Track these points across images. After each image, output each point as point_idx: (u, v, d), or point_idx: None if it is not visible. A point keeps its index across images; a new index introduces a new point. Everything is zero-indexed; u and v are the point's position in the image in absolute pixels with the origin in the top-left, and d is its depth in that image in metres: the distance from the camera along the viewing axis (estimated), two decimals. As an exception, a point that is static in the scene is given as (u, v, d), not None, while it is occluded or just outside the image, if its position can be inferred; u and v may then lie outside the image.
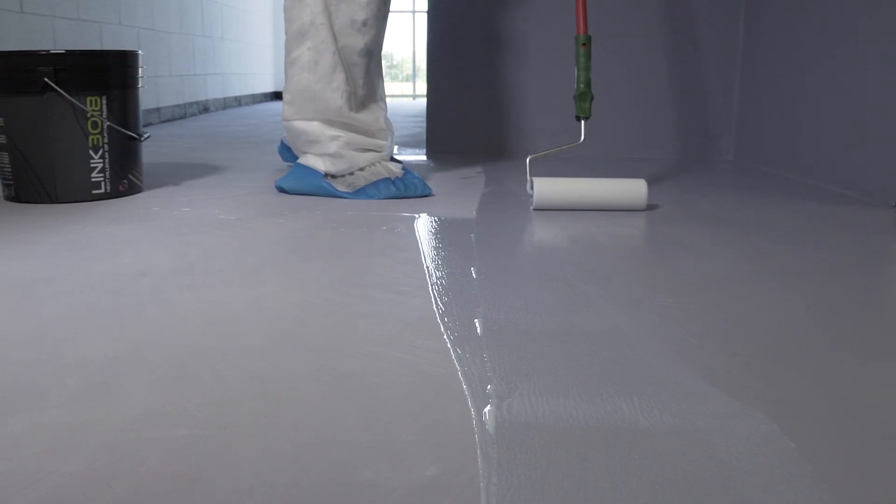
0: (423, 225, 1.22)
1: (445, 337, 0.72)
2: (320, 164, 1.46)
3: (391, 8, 1.61)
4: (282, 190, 1.49)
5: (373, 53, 1.47)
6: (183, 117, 3.44)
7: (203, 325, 0.76)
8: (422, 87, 6.89)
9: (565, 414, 0.57)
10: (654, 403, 0.59)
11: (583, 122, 1.47)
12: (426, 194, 1.46)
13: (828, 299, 0.86)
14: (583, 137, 1.48)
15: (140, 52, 1.49)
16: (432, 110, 2.18)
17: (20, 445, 0.52)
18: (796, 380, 0.64)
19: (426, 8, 2.14)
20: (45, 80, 1.32)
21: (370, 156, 1.47)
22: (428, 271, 0.95)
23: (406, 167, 1.51)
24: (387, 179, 1.45)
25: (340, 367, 0.65)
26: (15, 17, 2.07)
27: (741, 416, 0.57)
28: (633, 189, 1.33)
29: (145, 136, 1.49)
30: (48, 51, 1.36)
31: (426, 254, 1.03)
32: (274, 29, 5.23)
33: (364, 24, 1.42)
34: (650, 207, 1.40)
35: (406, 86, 7.36)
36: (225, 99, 4.12)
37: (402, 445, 0.52)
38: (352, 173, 1.46)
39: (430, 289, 0.87)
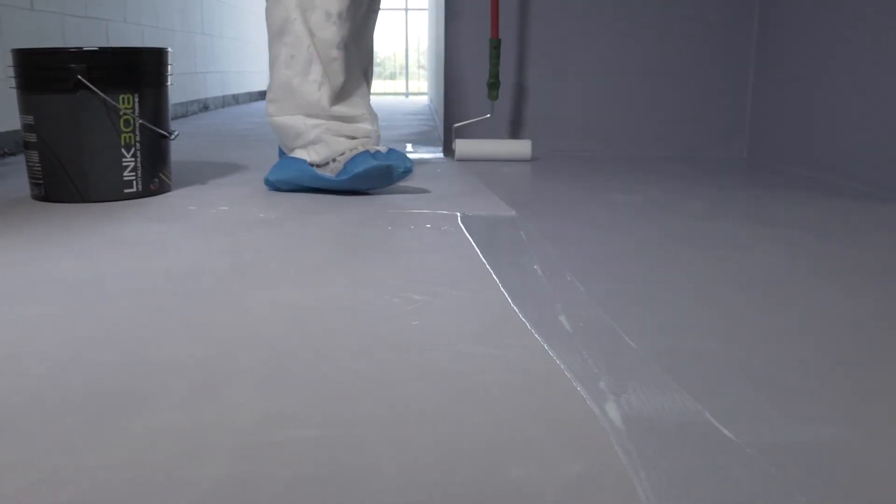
0: (468, 223, 1.22)
1: (535, 334, 0.72)
2: (304, 155, 1.47)
3: (382, 5, 1.61)
4: (270, 184, 1.48)
5: (350, 47, 1.47)
6: (184, 115, 3.41)
7: (285, 324, 0.75)
8: (414, 84, 6.87)
9: (683, 408, 0.57)
10: (763, 402, 0.59)
11: (493, 103, 2.05)
12: (407, 167, 1.41)
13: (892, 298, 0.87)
14: (489, 115, 2.05)
15: (170, 49, 1.48)
16: (449, 108, 2.18)
17: (149, 449, 0.51)
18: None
19: (436, 6, 2.13)
20: (79, 77, 1.30)
21: (353, 142, 1.45)
22: (492, 269, 0.94)
23: (391, 148, 1.46)
24: (365, 153, 1.41)
25: (441, 366, 0.65)
26: (25, 14, 2.04)
27: (861, 418, 0.57)
28: (522, 148, 2.00)
29: (175, 134, 1.48)
30: (81, 48, 1.35)
31: (482, 251, 1.03)
32: (267, 26, 5.19)
33: (339, 16, 1.42)
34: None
35: (392, 84, 7.33)
36: (224, 97, 4.09)
37: (537, 443, 0.51)
38: (334, 160, 1.44)
39: (499, 286, 0.87)
